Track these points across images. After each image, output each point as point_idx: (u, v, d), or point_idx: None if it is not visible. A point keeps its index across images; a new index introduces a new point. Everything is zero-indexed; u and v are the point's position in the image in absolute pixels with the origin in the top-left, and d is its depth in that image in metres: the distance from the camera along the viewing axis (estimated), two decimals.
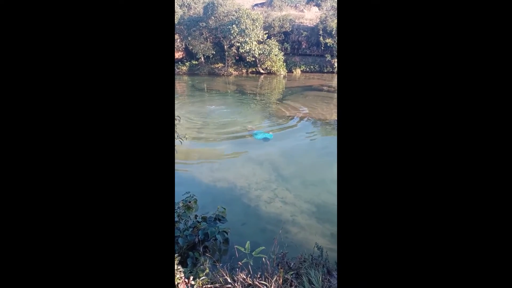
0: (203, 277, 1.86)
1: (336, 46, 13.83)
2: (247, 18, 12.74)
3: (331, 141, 6.22)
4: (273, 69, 14.23)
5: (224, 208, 3.30)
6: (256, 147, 5.73)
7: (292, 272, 1.85)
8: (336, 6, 14.08)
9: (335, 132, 6.80)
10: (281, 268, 1.86)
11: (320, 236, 3.21)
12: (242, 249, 2.00)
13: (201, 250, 2.57)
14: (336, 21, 13.63)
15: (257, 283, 1.74)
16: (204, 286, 1.82)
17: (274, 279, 1.74)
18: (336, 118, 7.74)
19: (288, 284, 1.75)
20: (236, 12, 13.11)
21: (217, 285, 1.78)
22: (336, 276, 2.00)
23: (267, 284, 1.72)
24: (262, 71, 14.58)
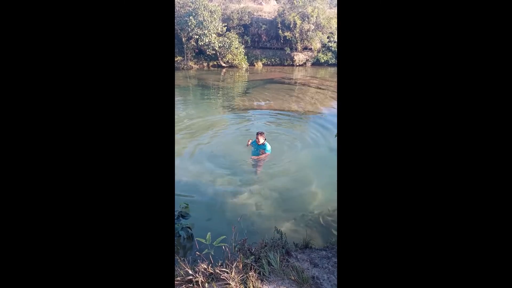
0: None
1: (295, 40, 14.20)
2: (204, 10, 12.37)
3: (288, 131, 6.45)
4: (234, 62, 14.12)
5: (187, 204, 3.24)
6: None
7: (252, 257, 1.92)
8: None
9: (291, 121, 7.06)
10: (241, 254, 1.91)
11: (285, 221, 3.35)
12: (203, 241, 2.01)
13: None
14: (293, 14, 13.93)
15: (218, 271, 1.77)
16: None
17: (234, 265, 1.79)
18: (295, 109, 8.01)
19: (248, 268, 1.82)
20: (192, 4, 12.65)
21: (178, 278, 1.77)
22: (295, 256, 2.13)
23: (227, 270, 1.76)
24: (223, 64, 14.38)
